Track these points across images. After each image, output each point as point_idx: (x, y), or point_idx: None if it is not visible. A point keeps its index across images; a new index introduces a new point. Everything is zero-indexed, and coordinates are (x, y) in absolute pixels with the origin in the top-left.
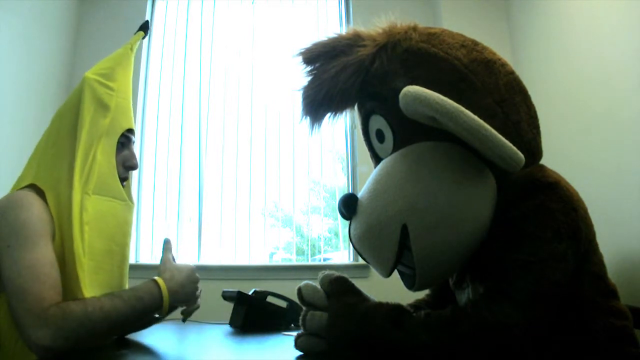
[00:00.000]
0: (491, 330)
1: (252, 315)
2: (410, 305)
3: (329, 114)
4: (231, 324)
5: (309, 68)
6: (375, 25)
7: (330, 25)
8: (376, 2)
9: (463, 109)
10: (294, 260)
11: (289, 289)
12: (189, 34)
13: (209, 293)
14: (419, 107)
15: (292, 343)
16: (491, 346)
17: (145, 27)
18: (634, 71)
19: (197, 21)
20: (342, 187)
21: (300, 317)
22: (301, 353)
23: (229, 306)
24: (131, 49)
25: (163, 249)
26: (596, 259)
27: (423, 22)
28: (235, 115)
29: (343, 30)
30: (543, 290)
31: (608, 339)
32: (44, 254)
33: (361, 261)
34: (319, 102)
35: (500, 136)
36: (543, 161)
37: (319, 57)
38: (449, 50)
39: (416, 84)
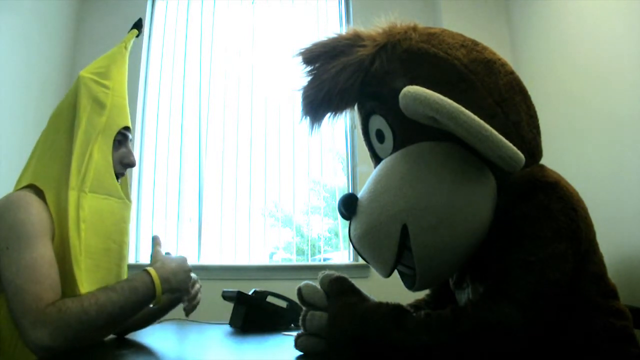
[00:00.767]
0: (491, 330)
1: (252, 315)
2: (410, 305)
3: (329, 114)
4: (231, 324)
5: (308, 68)
6: (375, 25)
7: (330, 25)
8: (376, 2)
9: (463, 109)
10: (294, 260)
11: (289, 289)
12: (189, 34)
13: (209, 293)
14: (419, 107)
15: (292, 343)
16: (491, 346)
17: (139, 25)
18: (634, 71)
19: (197, 21)
20: (342, 187)
21: (300, 317)
22: (301, 353)
23: (229, 306)
24: (125, 48)
25: (152, 244)
26: (596, 259)
27: (423, 22)
28: (235, 115)
29: (343, 30)
30: (543, 290)
31: (608, 339)
32: (42, 254)
33: (361, 261)
34: (319, 102)
35: (500, 136)
36: (543, 161)
37: (319, 57)
38: (449, 50)
39: (416, 84)
